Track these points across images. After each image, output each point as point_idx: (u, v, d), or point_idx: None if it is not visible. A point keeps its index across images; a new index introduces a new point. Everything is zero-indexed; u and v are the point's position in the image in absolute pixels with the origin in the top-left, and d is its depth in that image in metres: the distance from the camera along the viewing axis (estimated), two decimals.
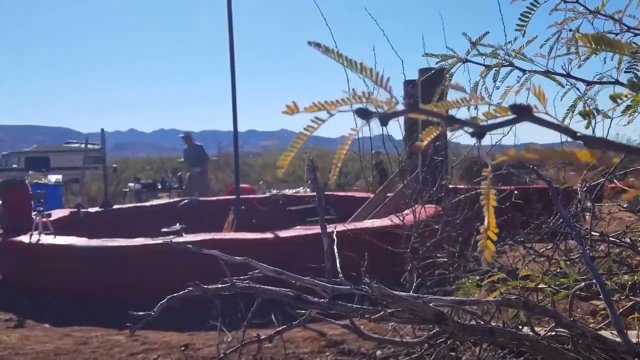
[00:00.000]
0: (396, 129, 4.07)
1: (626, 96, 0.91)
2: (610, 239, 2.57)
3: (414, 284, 2.66)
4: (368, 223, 5.82)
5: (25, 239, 6.19)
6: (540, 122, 0.57)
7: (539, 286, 1.96)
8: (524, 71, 1.64)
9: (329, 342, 3.48)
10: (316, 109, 0.59)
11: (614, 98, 0.80)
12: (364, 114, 0.57)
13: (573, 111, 1.68)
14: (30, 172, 16.31)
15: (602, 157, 0.56)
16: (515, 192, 3.56)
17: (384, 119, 0.57)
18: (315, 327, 3.66)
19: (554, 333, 1.64)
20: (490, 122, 0.59)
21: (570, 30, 1.79)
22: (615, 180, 2.89)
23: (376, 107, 0.58)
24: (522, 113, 0.56)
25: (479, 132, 0.60)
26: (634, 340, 1.55)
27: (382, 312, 1.47)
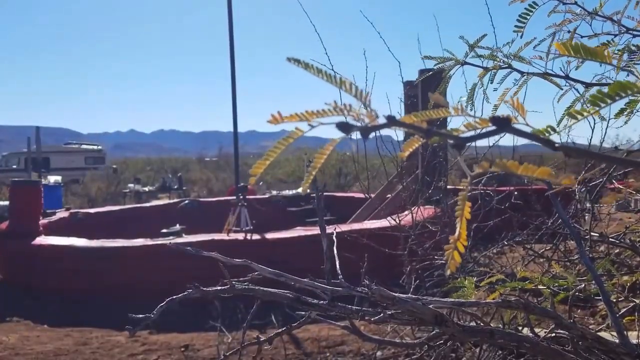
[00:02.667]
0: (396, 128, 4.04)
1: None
2: (610, 239, 2.56)
3: (412, 286, 2.66)
4: (367, 224, 5.82)
5: (25, 239, 6.20)
6: (520, 133, 0.58)
7: (538, 287, 1.97)
8: (522, 73, 1.64)
9: (328, 343, 3.49)
10: (297, 119, 0.60)
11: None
12: (345, 128, 0.57)
13: None
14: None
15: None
16: (515, 192, 3.56)
17: (365, 133, 0.58)
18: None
19: (553, 334, 1.64)
20: (470, 134, 0.61)
21: (568, 31, 1.79)
22: (613, 181, 2.89)
23: (356, 120, 0.58)
24: (502, 125, 0.57)
25: (459, 144, 0.61)
26: (634, 341, 1.55)
27: (381, 314, 1.47)
